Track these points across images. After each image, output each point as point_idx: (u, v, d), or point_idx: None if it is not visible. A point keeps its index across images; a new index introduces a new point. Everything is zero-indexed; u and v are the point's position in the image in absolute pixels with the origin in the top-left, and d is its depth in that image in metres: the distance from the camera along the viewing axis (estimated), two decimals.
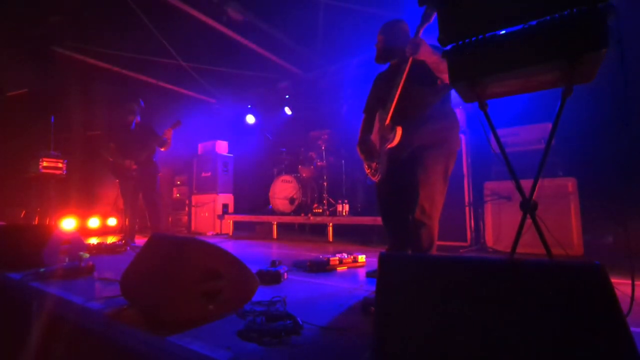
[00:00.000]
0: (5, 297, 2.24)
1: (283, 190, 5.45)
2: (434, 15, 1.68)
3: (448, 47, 1.31)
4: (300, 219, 5.04)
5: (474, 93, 1.36)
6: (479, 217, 3.57)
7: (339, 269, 2.64)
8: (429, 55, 1.73)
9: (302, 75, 6.11)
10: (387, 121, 1.97)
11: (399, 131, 1.91)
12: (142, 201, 4.20)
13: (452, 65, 1.32)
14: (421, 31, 1.76)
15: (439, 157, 1.89)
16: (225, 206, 6.10)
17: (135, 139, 4.10)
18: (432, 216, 1.87)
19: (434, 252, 1.93)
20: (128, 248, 3.74)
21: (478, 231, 3.57)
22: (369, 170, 2.21)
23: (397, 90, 1.89)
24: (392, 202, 2.13)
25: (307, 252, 3.68)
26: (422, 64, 1.79)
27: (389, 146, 1.97)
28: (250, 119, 6.91)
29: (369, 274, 2.36)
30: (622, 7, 1.12)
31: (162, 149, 4.20)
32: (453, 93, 1.91)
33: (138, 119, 4.19)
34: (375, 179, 2.14)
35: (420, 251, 1.91)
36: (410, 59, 1.81)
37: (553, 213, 2.95)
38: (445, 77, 1.74)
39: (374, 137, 2.16)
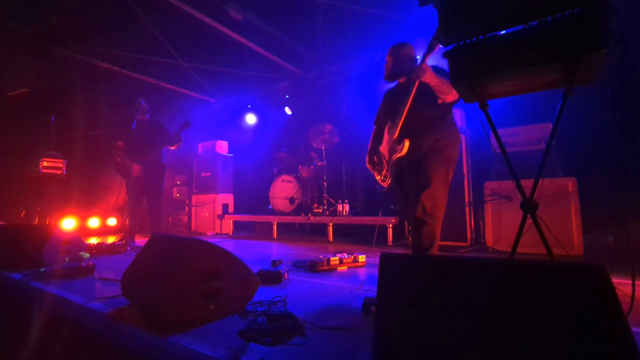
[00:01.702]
0: (5, 297, 2.24)
1: (283, 190, 5.45)
2: (438, 47, 1.94)
3: (449, 48, 1.32)
4: (300, 219, 5.04)
5: (474, 93, 1.36)
6: (479, 217, 3.57)
7: (339, 268, 2.64)
8: (432, 79, 1.99)
9: (302, 75, 6.10)
10: (396, 134, 2.20)
11: (407, 143, 2.12)
12: (145, 201, 4.19)
13: (452, 65, 1.32)
14: (427, 59, 2.00)
15: (439, 161, 2.05)
16: (225, 206, 6.10)
17: (144, 138, 4.09)
18: (433, 215, 1.97)
19: (435, 251, 1.99)
20: (128, 248, 3.74)
21: (478, 231, 3.57)
22: (379, 177, 2.38)
23: (405, 108, 2.13)
24: (406, 202, 2.30)
25: (307, 252, 3.68)
26: (426, 85, 2.04)
27: (397, 156, 2.18)
28: (250, 119, 6.91)
29: None
30: (622, 7, 1.12)
31: (173, 148, 4.19)
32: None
33: (147, 117, 4.19)
34: (385, 184, 2.32)
35: (420, 248, 2.00)
36: (417, 82, 2.06)
37: (553, 213, 2.95)
38: (446, 97, 2.02)
39: (384, 147, 2.35)
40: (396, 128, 2.17)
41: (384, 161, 2.31)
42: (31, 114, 5.31)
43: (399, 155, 2.15)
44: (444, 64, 1.49)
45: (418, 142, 2.11)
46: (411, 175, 2.13)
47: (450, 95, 2.02)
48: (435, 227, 1.97)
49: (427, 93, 2.06)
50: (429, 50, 1.98)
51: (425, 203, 1.96)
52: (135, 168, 3.99)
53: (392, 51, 2.34)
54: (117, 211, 5.80)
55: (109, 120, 5.56)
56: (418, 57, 2.21)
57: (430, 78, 1.98)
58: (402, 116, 2.14)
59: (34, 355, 1.71)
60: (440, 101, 2.07)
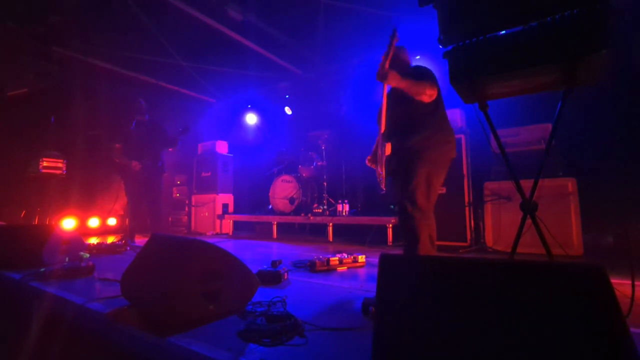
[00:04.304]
0: (5, 297, 2.24)
1: (283, 190, 5.45)
2: (392, 51, 2.02)
3: (448, 48, 1.31)
4: (300, 219, 5.04)
5: (474, 94, 1.36)
6: (478, 217, 3.56)
7: (339, 269, 2.64)
8: (397, 82, 1.96)
9: (302, 75, 6.10)
10: (381, 135, 2.26)
11: (388, 146, 2.17)
12: (145, 201, 4.21)
13: (452, 66, 1.32)
14: (387, 62, 2.01)
15: (421, 160, 2.04)
16: (225, 206, 6.10)
17: (143, 139, 4.11)
18: (414, 216, 1.99)
19: (422, 248, 1.97)
20: (128, 248, 3.74)
21: (478, 231, 3.57)
22: (379, 179, 2.41)
23: (382, 110, 2.18)
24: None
25: (307, 252, 3.68)
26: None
27: (384, 158, 2.22)
28: (250, 118, 6.91)
29: None
30: (622, 7, 1.12)
31: (170, 150, 4.25)
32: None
33: (146, 117, 4.20)
34: (382, 185, 2.33)
35: (406, 247, 2.05)
36: (385, 85, 2.07)
37: (553, 213, 2.95)
38: (420, 97, 1.99)
39: (378, 148, 2.40)
40: (380, 130, 2.23)
41: (379, 162, 2.36)
42: (31, 114, 5.30)
43: (385, 156, 2.20)
44: (441, 64, 1.49)
45: (401, 142, 2.14)
46: (397, 175, 2.20)
47: (424, 95, 1.99)
48: (417, 226, 1.98)
49: (401, 94, 2.06)
50: (387, 54, 2.02)
51: (406, 204, 2.00)
52: (135, 164, 4.01)
53: (403, 54, 2.36)
54: (117, 211, 5.80)
55: (108, 120, 5.55)
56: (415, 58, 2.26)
57: (395, 82, 1.96)
58: (382, 118, 2.20)
59: (34, 355, 1.71)
60: (417, 100, 2.05)
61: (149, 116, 4.24)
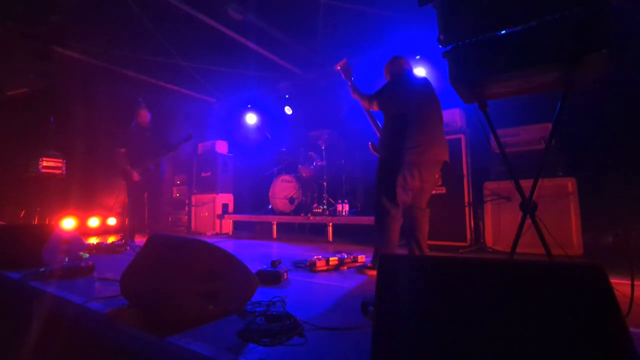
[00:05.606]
0: (5, 297, 2.24)
1: (283, 190, 5.45)
2: (343, 71, 2.71)
3: (448, 48, 1.31)
4: (300, 219, 5.03)
5: (474, 94, 1.36)
6: (478, 217, 3.56)
7: (339, 269, 2.64)
8: (354, 96, 2.69)
9: (302, 75, 6.10)
10: None
11: None
12: (145, 201, 4.28)
13: (451, 65, 1.32)
14: (349, 82, 2.76)
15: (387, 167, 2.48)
16: (225, 206, 6.10)
17: (146, 143, 4.23)
18: (379, 212, 2.47)
19: (384, 242, 2.43)
20: (128, 248, 3.74)
21: (478, 231, 3.57)
22: None
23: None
24: None
25: (307, 252, 3.68)
26: None
27: None
28: (250, 118, 6.91)
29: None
30: (622, 6, 1.12)
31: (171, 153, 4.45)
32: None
33: (149, 125, 4.37)
34: None
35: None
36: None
37: (553, 213, 2.95)
38: (364, 108, 2.68)
39: None
40: None
41: None
42: (31, 114, 5.30)
43: None
44: (441, 64, 1.49)
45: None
46: None
47: (371, 108, 2.59)
48: (384, 221, 2.42)
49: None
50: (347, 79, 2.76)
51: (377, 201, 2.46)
52: (135, 174, 4.13)
53: (385, 70, 2.74)
54: (116, 211, 5.81)
55: (108, 121, 5.56)
56: (413, 59, 2.62)
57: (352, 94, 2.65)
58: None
59: (34, 355, 1.70)
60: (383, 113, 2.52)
61: (152, 124, 4.38)
